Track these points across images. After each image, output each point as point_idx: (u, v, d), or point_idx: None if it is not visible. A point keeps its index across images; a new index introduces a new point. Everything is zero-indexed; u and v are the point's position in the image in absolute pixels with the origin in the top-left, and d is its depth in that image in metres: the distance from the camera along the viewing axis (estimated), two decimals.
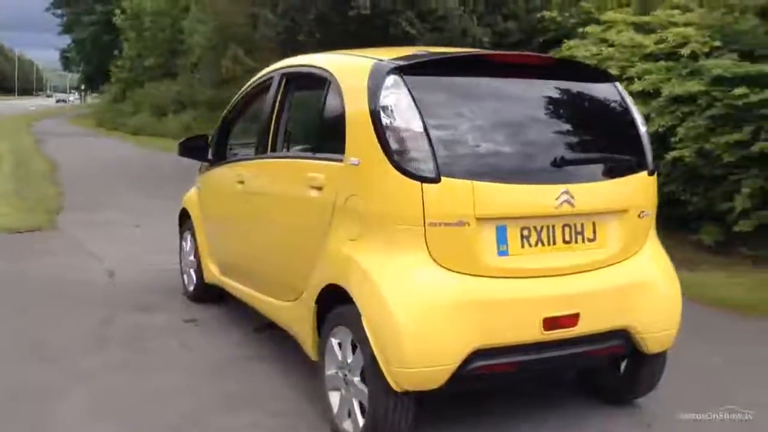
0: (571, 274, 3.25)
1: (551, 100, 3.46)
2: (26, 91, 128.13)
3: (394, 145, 3.06)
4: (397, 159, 3.04)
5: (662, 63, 8.03)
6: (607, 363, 3.67)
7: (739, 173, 6.92)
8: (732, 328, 5.15)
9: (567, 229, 3.25)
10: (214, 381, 4.08)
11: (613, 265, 3.36)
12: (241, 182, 4.40)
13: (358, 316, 3.13)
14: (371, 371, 3.09)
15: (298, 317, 3.79)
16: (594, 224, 3.30)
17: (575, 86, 3.53)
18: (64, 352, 4.48)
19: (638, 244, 3.46)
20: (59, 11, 45.75)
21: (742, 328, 5.16)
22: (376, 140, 3.12)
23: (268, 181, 4.13)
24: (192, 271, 5.61)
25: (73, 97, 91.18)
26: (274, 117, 4.17)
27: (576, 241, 3.27)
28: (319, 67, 3.80)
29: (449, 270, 3.05)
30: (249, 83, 4.85)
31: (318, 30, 11.18)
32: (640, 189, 3.44)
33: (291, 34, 11.49)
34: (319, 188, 3.50)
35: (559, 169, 3.22)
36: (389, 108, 3.12)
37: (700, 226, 7.36)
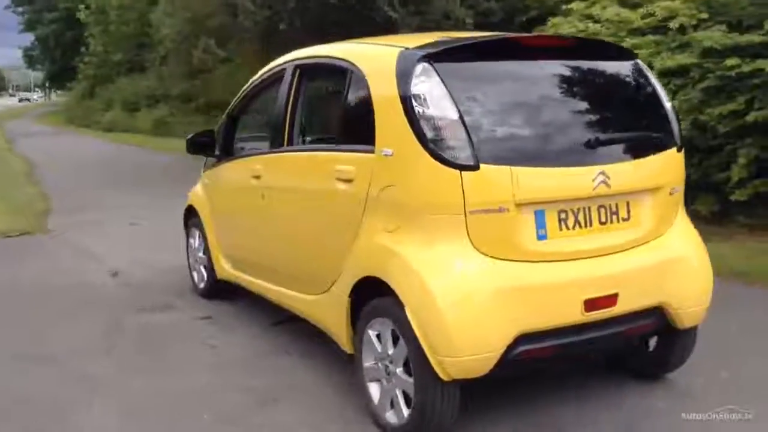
0: (608, 254, 3.26)
1: (579, 81, 3.45)
2: None
3: (429, 134, 3.03)
4: (434, 148, 3.02)
5: (650, 37, 8.07)
6: (638, 341, 3.70)
7: (734, 143, 6.99)
8: (740, 295, 5.20)
9: (602, 210, 3.25)
10: (244, 378, 4.04)
11: (648, 243, 3.38)
12: (257, 177, 4.34)
13: (400, 307, 3.12)
14: (417, 361, 3.08)
15: (328, 310, 3.76)
16: (628, 204, 3.31)
17: (601, 65, 3.53)
18: (80, 357, 4.41)
19: (670, 221, 3.48)
20: (20, 9, 44.82)
21: (747, 296, 5.22)
22: (410, 130, 3.08)
23: (288, 175, 4.07)
24: (202, 268, 5.55)
25: (37, 96, 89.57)
26: (289, 110, 4.11)
27: (611, 222, 3.28)
28: (339, 58, 3.75)
29: (490, 257, 3.04)
30: (256, 77, 4.78)
31: (298, 18, 11.06)
32: (670, 166, 3.46)
33: (271, 23, 11.36)
34: (349, 180, 3.46)
35: (593, 150, 3.22)
36: (422, 97, 3.08)
37: (696, 196, 7.44)
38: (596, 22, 8.75)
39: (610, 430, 3.37)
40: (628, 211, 3.32)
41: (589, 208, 3.22)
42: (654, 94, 3.53)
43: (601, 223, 3.26)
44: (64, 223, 8.85)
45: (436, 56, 3.17)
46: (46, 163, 16.42)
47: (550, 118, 3.27)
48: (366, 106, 3.37)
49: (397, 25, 10.67)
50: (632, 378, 3.84)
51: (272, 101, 4.32)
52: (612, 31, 8.53)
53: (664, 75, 7.51)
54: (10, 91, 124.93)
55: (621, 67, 3.56)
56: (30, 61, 55.13)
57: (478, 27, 10.54)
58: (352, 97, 3.56)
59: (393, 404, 3.33)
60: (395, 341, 3.25)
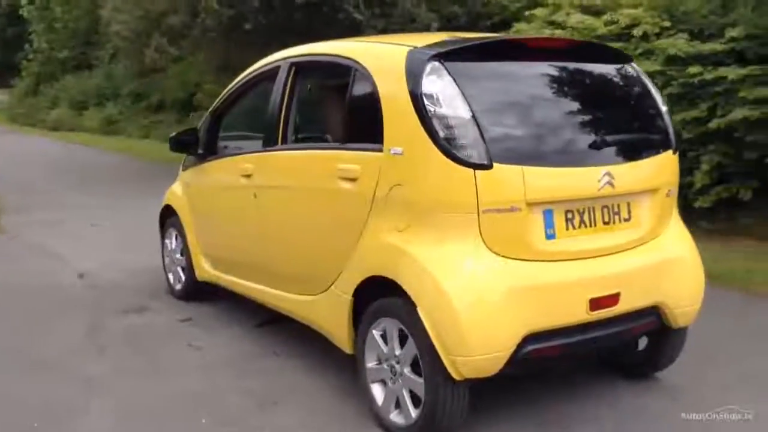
0: (611, 254, 3.31)
1: (582, 82, 3.51)
2: None
3: (442, 133, 3.03)
4: (448, 147, 3.02)
5: (614, 44, 8.23)
6: (633, 340, 3.76)
7: (697, 150, 7.18)
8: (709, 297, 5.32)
9: (606, 211, 3.30)
10: (237, 380, 3.97)
11: (646, 244, 3.44)
12: (247, 176, 4.27)
13: (410, 306, 3.11)
14: (428, 361, 3.07)
15: (326, 311, 3.73)
16: (629, 204, 3.37)
17: (602, 68, 3.59)
18: (65, 362, 4.27)
19: (666, 222, 3.55)
20: None
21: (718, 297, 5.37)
22: (421, 129, 3.08)
23: (284, 174, 4.01)
24: (179, 269, 5.44)
25: None
26: (283, 108, 4.06)
27: (614, 222, 3.33)
28: (341, 56, 3.72)
29: (502, 256, 3.06)
30: (243, 75, 4.70)
31: (263, 18, 10.95)
32: (667, 167, 3.53)
33: (235, 22, 11.21)
34: (353, 179, 3.43)
35: (599, 151, 3.28)
36: (434, 96, 3.08)
37: None
38: (561, 28, 8.89)
39: (611, 426, 3.42)
40: (629, 212, 3.38)
41: (594, 209, 3.27)
42: (651, 97, 3.60)
43: (605, 223, 3.31)
44: (20, 223, 8.56)
45: (446, 56, 3.18)
46: None
47: (556, 118, 3.31)
48: (372, 105, 3.35)
49: (362, 26, 10.66)
50: (624, 376, 3.91)
51: (264, 99, 4.25)
52: (577, 38, 8.69)
53: None
54: None
55: (620, 70, 3.63)
56: None
57: (442, 30, 10.59)
58: (357, 95, 3.54)
59: (398, 405, 3.32)
60: (402, 341, 3.24)
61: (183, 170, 5.38)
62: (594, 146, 3.27)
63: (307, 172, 3.83)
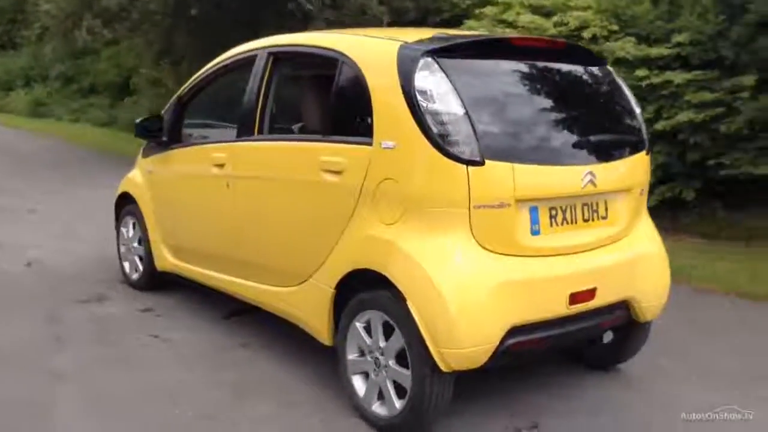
0: (589, 250, 3.42)
1: (566, 83, 3.60)
2: None
3: (435, 129, 3.06)
4: (441, 143, 3.05)
5: None
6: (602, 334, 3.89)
7: None
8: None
9: (586, 208, 3.40)
10: (211, 372, 3.93)
11: (620, 241, 3.56)
12: (220, 165, 4.21)
13: (397, 299, 3.13)
14: (416, 353, 3.11)
15: (304, 302, 3.72)
16: (606, 202, 3.48)
17: (582, 69, 3.69)
18: (26, 355, 4.12)
19: (638, 220, 3.68)
20: None
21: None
22: (414, 125, 3.10)
23: (261, 165, 3.97)
24: (136, 258, 5.32)
25: None
26: (260, 98, 4.01)
27: (592, 219, 3.44)
28: (326, 48, 3.70)
29: (490, 251, 3.12)
30: (215, 62, 4.62)
31: (210, 5, 10.75)
32: (641, 167, 3.66)
33: (181, 7, 10.97)
34: (338, 172, 3.43)
35: (582, 151, 3.38)
36: (427, 92, 3.11)
37: None
38: (513, 27, 9.04)
39: (583, 418, 3.53)
40: (606, 210, 3.49)
41: (575, 206, 3.36)
42: (627, 99, 3.72)
43: (584, 221, 3.41)
44: None
45: (438, 52, 3.21)
46: None
47: (543, 116, 3.39)
48: (360, 98, 3.35)
49: (313, 17, 10.59)
50: (586, 368, 4.04)
51: (238, 88, 4.20)
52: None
53: None
54: None
55: (598, 72, 3.73)
56: None
57: (392, 25, 10.62)
58: (343, 88, 3.53)
59: (380, 396, 3.35)
60: (387, 333, 3.26)
61: (143, 157, 5.25)
62: (577, 146, 3.37)
63: (287, 163, 3.81)
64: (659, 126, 7.22)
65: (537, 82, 3.46)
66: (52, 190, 9.80)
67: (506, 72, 3.41)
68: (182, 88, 4.85)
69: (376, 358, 3.33)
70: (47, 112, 20.26)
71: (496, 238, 3.13)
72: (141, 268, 5.28)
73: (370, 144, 3.29)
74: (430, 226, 3.10)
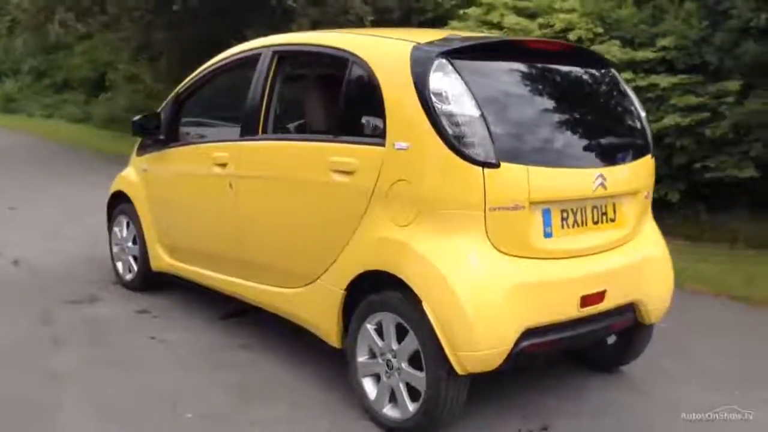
0: (598, 253, 3.44)
1: (577, 86, 3.63)
2: None
3: (451, 131, 3.06)
4: (457, 144, 3.05)
5: None
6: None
7: None
8: None
9: (595, 211, 3.42)
10: (212, 373, 3.89)
11: (628, 243, 3.59)
12: (222, 165, 4.16)
13: (411, 301, 3.13)
14: (431, 355, 3.10)
15: (312, 304, 3.69)
16: (614, 205, 3.51)
17: (592, 73, 3.71)
18: (23, 356, 4.05)
19: (644, 223, 3.72)
20: None
21: None
22: (429, 126, 3.09)
23: (267, 165, 3.93)
24: (130, 259, 5.25)
25: None
26: (265, 97, 3.97)
27: (602, 222, 3.46)
28: (336, 48, 3.67)
29: (504, 253, 3.12)
30: (215, 60, 4.56)
31: (194, 0, 10.64)
32: (647, 170, 3.69)
33: (163, 3, 10.85)
34: (349, 173, 3.41)
35: (593, 153, 3.41)
36: (442, 93, 3.11)
37: None
38: (498, 28, 9.08)
39: (587, 420, 3.55)
40: (615, 212, 3.52)
41: (585, 209, 3.38)
42: (632, 102, 3.76)
43: (594, 223, 3.43)
44: None
45: (452, 53, 3.21)
46: None
47: (555, 118, 3.41)
48: (372, 99, 3.33)
49: (296, 15, 10.54)
50: (590, 370, 4.07)
51: (241, 87, 4.15)
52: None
53: None
54: None
55: (606, 75, 3.76)
56: None
57: (376, 24, 10.62)
58: (354, 88, 3.51)
59: (391, 399, 3.34)
60: (400, 335, 3.25)
61: (138, 156, 5.18)
62: (588, 148, 3.40)
63: (295, 163, 3.77)
64: None
65: (548, 84, 3.49)
66: (32, 187, 9.65)
67: (518, 74, 3.42)
68: (180, 86, 4.78)
69: (388, 361, 3.31)
70: (18, 107, 19.96)
71: (510, 240, 3.14)
72: (135, 268, 5.21)
73: (382, 145, 3.27)
74: (445, 228, 3.09)
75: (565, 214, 3.30)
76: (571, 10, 8.77)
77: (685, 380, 4.00)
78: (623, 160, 3.54)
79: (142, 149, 5.11)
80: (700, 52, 7.43)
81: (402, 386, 3.28)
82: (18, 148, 14.03)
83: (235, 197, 4.08)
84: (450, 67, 3.16)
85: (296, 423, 3.42)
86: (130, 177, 5.23)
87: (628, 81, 7.41)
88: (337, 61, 3.63)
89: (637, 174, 3.62)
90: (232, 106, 4.34)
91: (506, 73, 3.40)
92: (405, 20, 11.00)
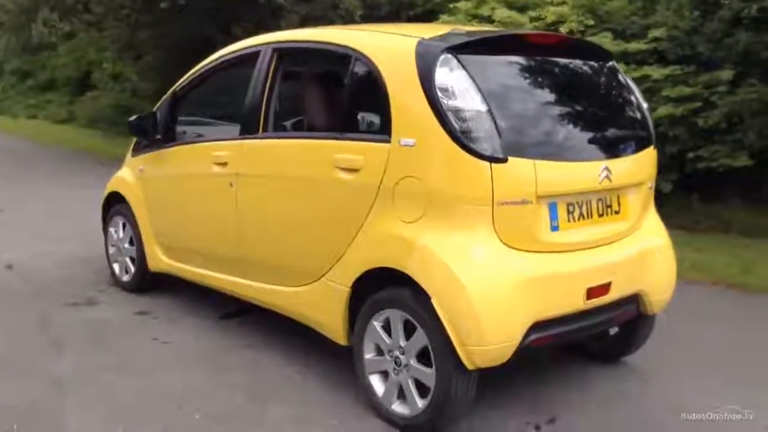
0: (603, 245, 3.44)
1: (580, 79, 3.62)
2: None
3: (457, 126, 3.05)
4: (464, 140, 3.03)
5: None
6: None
7: None
8: None
9: (600, 203, 3.43)
10: (217, 374, 3.86)
11: (631, 235, 3.60)
12: (222, 164, 4.13)
13: (420, 297, 3.12)
14: (440, 351, 3.10)
15: (316, 302, 3.67)
16: (618, 197, 3.51)
17: (595, 65, 3.70)
18: (25, 361, 4.00)
19: (647, 214, 3.73)
20: None
21: None
22: (435, 122, 3.08)
23: (269, 163, 3.89)
24: (128, 260, 5.20)
25: None
26: (265, 95, 3.94)
27: (606, 214, 3.46)
28: (338, 44, 3.64)
29: (512, 247, 3.12)
30: (212, 59, 4.51)
31: None
32: (650, 162, 3.70)
33: (150, 2, 10.76)
34: (354, 170, 3.39)
35: (598, 146, 3.40)
36: (448, 88, 3.09)
37: None
38: (489, 22, 9.08)
39: (594, 410, 3.55)
40: (619, 204, 3.52)
41: (590, 201, 3.38)
42: (634, 94, 3.76)
43: (599, 216, 3.43)
44: None
45: (457, 48, 3.19)
46: None
47: (559, 112, 3.39)
48: (377, 96, 3.31)
49: (284, 11, 10.49)
50: (591, 361, 4.08)
51: (240, 85, 4.11)
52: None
53: None
54: None
55: (609, 67, 3.75)
56: None
57: (365, 19, 10.58)
58: (357, 85, 3.48)
59: (400, 396, 3.33)
60: (408, 332, 3.24)
61: (133, 156, 5.13)
62: (593, 141, 3.39)
63: (298, 160, 3.74)
64: None
65: (552, 77, 3.48)
66: (18, 188, 9.55)
67: (522, 68, 3.41)
68: (176, 85, 4.73)
69: (396, 357, 3.30)
70: (2, 108, 19.75)
71: (518, 234, 3.13)
72: (132, 269, 5.16)
73: (388, 141, 3.25)
74: (453, 224, 3.08)
75: (571, 208, 3.30)
76: (561, 2, 8.79)
77: (688, 370, 4.02)
78: (627, 152, 3.54)
79: (138, 149, 5.06)
80: (692, 42, 7.47)
81: (411, 383, 3.27)
82: (2, 150, 13.89)
83: (236, 196, 4.05)
84: (455, 62, 3.14)
85: (305, 422, 3.39)
86: (126, 177, 5.18)
87: None
88: (340, 58, 3.60)
89: (640, 165, 3.62)
90: (231, 105, 4.30)
91: (510, 68, 3.38)
92: (394, 15, 10.96)
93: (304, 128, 4.12)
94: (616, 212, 3.51)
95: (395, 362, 3.32)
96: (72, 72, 18.38)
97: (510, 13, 8.98)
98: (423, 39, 3.29)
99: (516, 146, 3.11)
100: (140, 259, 5.06)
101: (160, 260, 4.89)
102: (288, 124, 4.17)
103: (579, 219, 3.34)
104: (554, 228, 3.24)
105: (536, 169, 3.11)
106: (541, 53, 3.48)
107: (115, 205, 5.30)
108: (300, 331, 3.96)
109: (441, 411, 3.17)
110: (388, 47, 3.45)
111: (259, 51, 4.07)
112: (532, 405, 3.56)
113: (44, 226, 7.30)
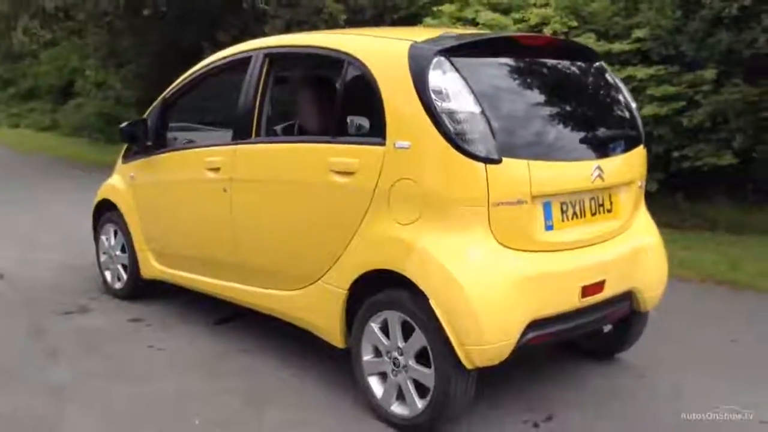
0: (596, 244, 3.49)
1: (571, 79, 3.66)
2: None
3: (452, 128, 3.07)
4: (458, 141, 3.06)
5: None
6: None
7: None
8: None
9: (593, 202, 3.47)
10: (214, 380, 3.86)
11: (623, 233, 3.64)
12: (215, 169, 4.13)
13: (418, 298, 3.14)
14: (439, 351, 3.12)
15: (314, 305, 3.69)
16: (610, 196, 3.56)
17: (584, 66, 3.74)
18: (19, 370, 3.98)
19: (637, 212, 3.78)
20: None
21: None
22: (430, 124, 3.10)
23: (263, 168, 3.91)
24: (119, 267, 5.18)
25: None
26: (257, 100, 3.95)
27: (599, 213, 3.51)
28: (331, 49, 3.66)
29: (508, 247, 3.15)
30: (203, 64, 4.52)
31: (164, 3, 10.53)
32: (640, 161, 3.75)
33: (133, 6, 10.72)
34: (349, 173, 3.41)
35: (589, 146, 3.45)
36: (442, 91, 3.12)
37: None
38: (473, 24, 9.13)
39: (592, 409, 3.59)
40: (611, 203, 3.57)
41: (583, 201, 3.42)
42: (623, 94, 3.81)
43: (592, 215, 3.47)
44: None
45: (449, 51, 3.22)
46: None
47: (552, 112, 3.43)
48: (371, 99, 3.34)
49: (269, 17, 10.49)
50: (585, 358, 4.11)
51: (233, 91, 4.12)
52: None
53: None
54: None
55: (597, 68, 3.80)
56: None
57: (349, 24, 10.61)
58: (351, 89, 3.50)
59: (399, 397, 3.35)
60: (406, 333, 3.26)
61: (123, 163, 5.11)
62: (585, 141, 3.44)
63: (293, 165, 3.75)
64: None
65: (543, 79, 3.52)
66: (3, 197, 9.46)
67: (513, 70, 3.44)
68: (167, 91, 4.73)
69: (395, 359, 3.32)
70: None
71: (514, 234, 3.16)
72: (125, 276, 5.15)
73: (382, 144, 3.28)
74: (449, 225, 3.11)
75: (564, 207, 3.34)
76: (545, 4, 8.86)
77: (682, 365, 4.07)
78: (618, 151, 3.59)
79: (128, 156, 5.05)
80: (675, 42, 7.55)
81: (410, 383, 3.29)
82: None
83: (230, 201, 4.06)
84: (448, 64, 3.17)
85: (303, 425, 3.41)
86: (117, 185, 5.16)
87: None
88: (332, 62, 3.63)
89: (631, 164, 3.67)
90: (223, 110, 4.30)
91: (502, 69, 3.42)
92: (378, 19, 10.99)
93: (298, 132, 4.13)
94: (609, 211, 3.56)
95: (394, 363, 3.34)
96: (54, 80, 18.27)
97: (494, 16, 9.04)
98: (415, 42, 3.31)
99: (510, 147, 3.14)
100: (132, 266, 5.04)
101: (152, 267, 4.88)
102: (281, 128, 4.18)
103: (573, 218, 3.38)
104: (549, 227, 3.27)
105: (530, 169, 3.14)
106: (531, 55, 3.53)
107: (105, 212, 5.28)
108: (295, 334, 3.97)
109: (440, 411, 3.19)
110: (380, 51, 3.48)
111: (250, 56, 4.08)
112: (530, 403, 3.59)
113: (31, 234, 7.26)
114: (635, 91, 7.45)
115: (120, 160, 5.19)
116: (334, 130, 3.60)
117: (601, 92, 3.78)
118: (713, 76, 7.08)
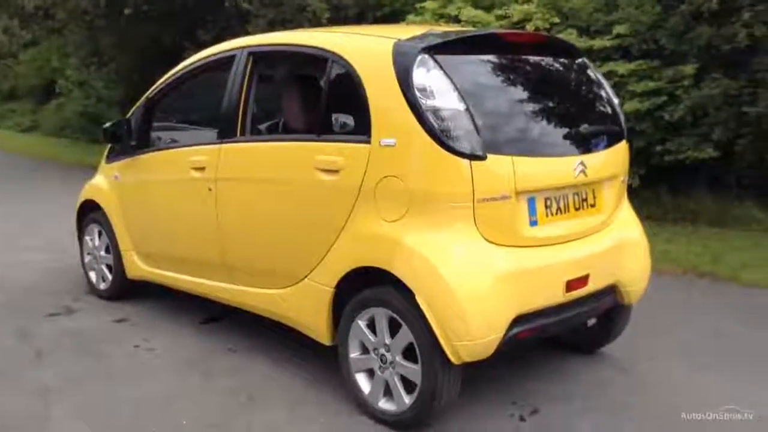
0: (580, 238, 3.52)
1: (554, 76, 3.70)
2: None
3: (437, 125, 3.10)
4: (443, 138, 3.08)
5: None
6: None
7: None
8: None
9: (576, 197, 3.50)
10: (203, 379, 3.86)
11: (606, 228, 3.68)
12: (200, 169, 4.13)
13: (405, 295, 3.16)
14: (426, 347, 3.14)
15: (299, 303, 3.70)
16: (593, 191, 3.59)
17: (567, 62, 3.78)
18: (8, 371, 3.97)
19: (621, 207, 3.82)
20: None
21: None
22: (415, 122, 3.12)
23: (249, 167, 3.91)
24: (104, 268, 5.17)
25: None
26: (242, 99, 3.96)
27: (583, 208, 3.54)
28: (315, 47, 3.67)
29: (493, 243, 3.18)
30: (186, 63, 4.51)
31: (147, 4, 10.47)
32: (623, 156, 3.79)
33: (114, 8, 10.65)
34: (335, 171, 3.43)
35: (573, 142, 3.48)
36: (426, 88, 3.14)
37: None
38: (456, 21, 9.16)
39: (579, 402, 3.63)
40: (594, 198, 3.61)
41: (567, 196, 3.46)
42: (605, 90, 3.85)
43: (576, 210, 3.51)
44: None
45: (433, 48, 3.24)
46: None
47: (535, 108, 3.46)
48: (355, 97, 3.35)
49: (251, 15, 10.46)
50: (571, 352, 4.16)
51: (217, 90, 4.12)
52: None
53: None
54: None
55: (580, 64, 3.83)
56: None
57: (332, 21, 10.60)
58: (336, 87, 3.51)
59: (386, 393, 3.37)
60: (393, 329, 3.28)
61: (107, 163, 5.10)
62: (568, 137, 3.47)
63: (279, 163, 3.75)
64: None
65: (527, 75, 3.55)
66: None
67: (497, 66, 3.47)
68: (150, 90, 4.72)
69: (382, 355, 3.34)
70: None
71: (499, 230, 3.19)
72: (110, 277, 5.13)
73: (368, 142, 3.29)
74: (435, 221, 3.13)
75: (548, 202, 3.37)
76: (527, 0, 8.90)
77: (665, 358, 4.13)
78: (601, 147, 3.62)
79: (112, 156, 5.03)
80: (655, 37, 7.62)
81: (397, 379, 3.31)
82: None
83: (215, 200, 4.06)
84: (432, 62, 3.19)
85: (293, 423, 3.42)
86: (100, 185, 5.14)
87: None
88: (317, 61, 3.63)
89: (614, 160, 3.71)
90: (207, 109, 4.30)
91: (486, 66, 3.44)
92: (361, 16, 11.00)
93: (283, 131, 4.13)
94: (592, 206, 3.59)
95: (381, 360, 3.36)
96: (35, 80, 18.11)
97: (476, 12, 9.08)
98: (400, 40, 3.33)
99: (494, 143, 3.16)
100: (117, 267, 5.03)
101: (138, 267, 4.87)
102: (266, 127, 4.18)
103: (557, 213, 3.41)
104: (533, 223, 3.31)
105: (514, 165, 3.17)
106: (515, 51, 3.55)
107: (89, 213, 5.26)
108: (284, 332, 3.99)
109: (427, 406, 3.21)
110: (365, 49, 3.49)
111: (234, 55, 4.08)
112: (516, 397, 3.62)
113: (13, 236, 7.22)
114: (616, 87, 7.52)
115: (103, 161, 5.17)
116: (319, 128, 3.61)
117: (584, 88, 3.82)
118: (693, 71, 7.15)
